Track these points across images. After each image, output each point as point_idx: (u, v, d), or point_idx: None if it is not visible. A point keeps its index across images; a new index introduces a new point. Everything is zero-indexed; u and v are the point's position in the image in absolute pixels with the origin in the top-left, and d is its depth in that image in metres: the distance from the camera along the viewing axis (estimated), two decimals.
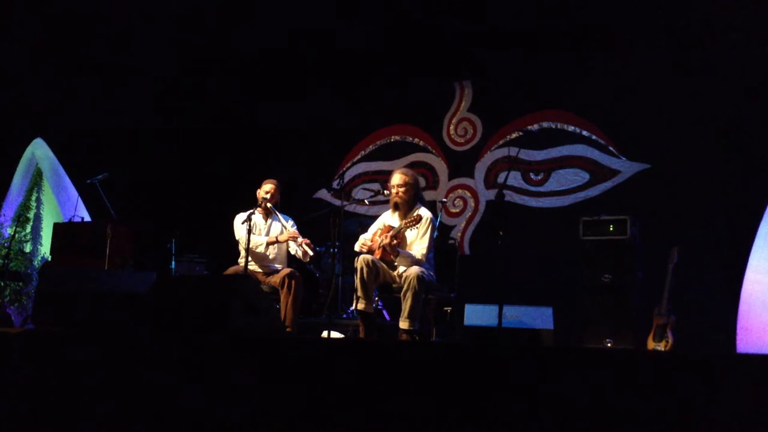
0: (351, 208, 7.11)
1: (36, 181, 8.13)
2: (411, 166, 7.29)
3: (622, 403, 2.25)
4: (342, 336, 5.12)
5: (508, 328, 4.80)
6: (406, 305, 4.29)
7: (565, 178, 6.54)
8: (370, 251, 4.59)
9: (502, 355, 2.52)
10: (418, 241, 4.58)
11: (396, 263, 4.54)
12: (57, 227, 6.32)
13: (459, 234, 6.96)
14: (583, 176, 6.45)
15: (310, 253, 5.06)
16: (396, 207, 4.72)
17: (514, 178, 6.68)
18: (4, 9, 6.94)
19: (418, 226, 4.52)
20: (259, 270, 5.14)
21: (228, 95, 7.76)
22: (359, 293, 4.43)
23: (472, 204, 7.05)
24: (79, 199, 7.50)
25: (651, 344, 4.79)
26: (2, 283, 7.01)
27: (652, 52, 6.09)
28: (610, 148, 6.37)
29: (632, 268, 5.17)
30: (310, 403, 2.63)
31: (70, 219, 6.76)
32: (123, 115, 7.71)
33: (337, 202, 5.91)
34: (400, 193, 4.69)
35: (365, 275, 4.40)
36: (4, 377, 3.17)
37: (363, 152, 7.72)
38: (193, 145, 7.78)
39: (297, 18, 6.86)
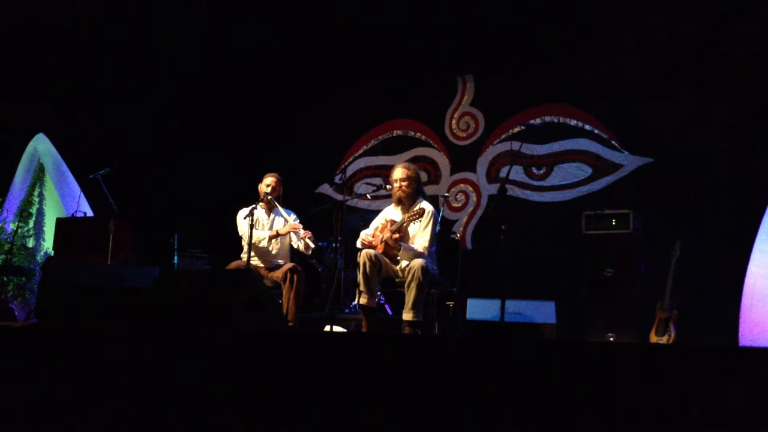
0: (353, 202, 7.08)
1: (38, 176, 8.13)
2: (413, 160, 7.28)
3: (625, 397, 2.26)
4: (344, 331, 5.13)
5: (510, 323, 4.80)
6: (409, 296, 4.29)
7: (568, 173, 6.52)
8: (372, 247, 4.58)
9: (505, 349, 2.52)
10: (420, 234, 4.58)
11: (399, 257, 4.54)
12: (59, 222, 6.33)
13: (461, 228, 6.96)
14: (586, 170, 6.44)
15: (312, 245, 5.07)
16: (399, 202, 4.72)
17: (517, 173, 6.67)
18: (6, 6, 6.95)
19: (420, 219, 4.52)
20: (262, 265, 5.14)
21: (230, 90, 7.75)
22: (362, 288, 4.43)
23: (474, 198, 7.04)
24: (82, 194, 7.49)
25: (653, 338, 4.80)
26: (5, 278, 7.02)
27: (655, 46, 6.07)
28: (613, 142, 6.35)
29: (635, 262, 5.17)
30: (313, 397, 2.63)
31: (73, 214, 6.76)
32: (125, 110, 7.71)
33: (340, 197, 5.90)
34: (403, 187, 4.68)
35: (368, 270, 4.40)
36: (7, 372, 3.18)
37: (365, 147, 7.72)
38: (195, 139, 7.77)
39: (297, 15, 6.86)
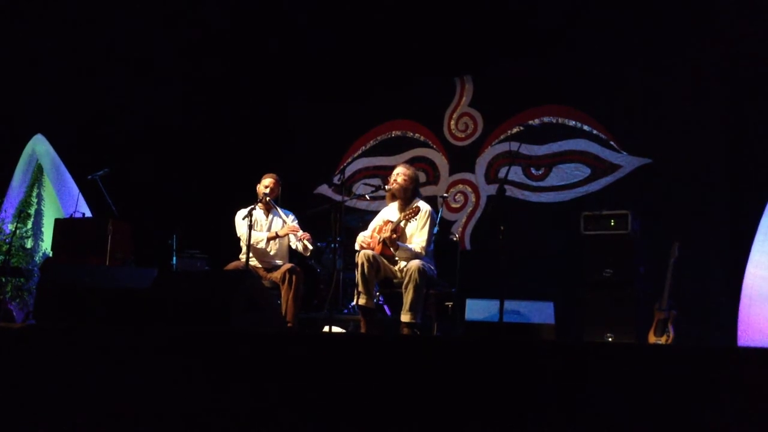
0: (352, 203, 7.08)
1: (37, 177, 8.12)
2: (411, 161, 7.29)
3: (623, 398, 2.26)
4: (343, 331, 5.12)
5: (509, 323, 4.80)
6: (407, 298, 4.29)
7: (566, 173, 6.53)
8: (370, 248, 4.59)
9: (504, 350, 2.52)
10: (417, 233, 4.59)
11: (397, 257, 4.55)
12: (58, 223, 6.32)
13: (460, 229, 6.96)
14: (584, 171, 6.44)
15: (310, 247, 5.07)
16: (393, 197, 4.74)
17: (515, 173, 6.67)
18: (5, 6, 6.94)
19: (417, 218, 4.54)
20: (260, 265, 5.14)
21: (229, 90, 7.75)
22: (360, 288, 4.43)
23: (473, 199, 7.04)
24: (80, 194, 7.49)
25: (652, 339, 4.80)
26: (3, 279, 7.01)
27: (654, 47, 6.08)
28: (611, 143, 6.36)
29: (633, 262, 5.17)
30: (312, 398, 2.63)
31: (71, 215, 6.76)
32: (123, 111, 7.70)
33: (338, 198, 5.90)
34: (398, 180, 4.71)
35: (366, 270, 4.41)
36: (5, 373, 3.17)
37: (364, 147, 7.72)
38: (193, 140, 7.76)
39: (298, 14, 6.86)
